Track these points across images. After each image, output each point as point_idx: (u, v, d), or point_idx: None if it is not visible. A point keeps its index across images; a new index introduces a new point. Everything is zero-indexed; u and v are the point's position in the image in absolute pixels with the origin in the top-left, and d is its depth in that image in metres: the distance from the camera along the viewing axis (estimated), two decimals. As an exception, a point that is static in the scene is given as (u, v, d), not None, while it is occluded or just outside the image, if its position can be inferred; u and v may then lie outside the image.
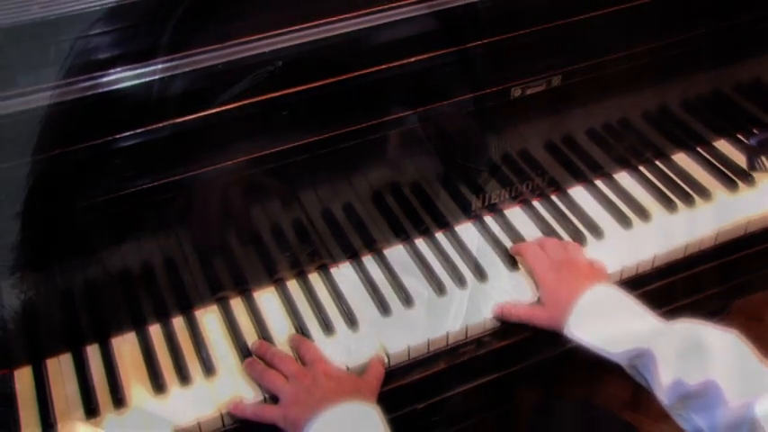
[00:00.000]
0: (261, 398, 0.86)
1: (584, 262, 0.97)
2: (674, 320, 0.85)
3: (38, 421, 0.83)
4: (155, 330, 0.94)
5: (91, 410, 0.84)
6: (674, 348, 0.81)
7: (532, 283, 0.97)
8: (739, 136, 1.18)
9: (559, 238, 1.04)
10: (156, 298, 0.93)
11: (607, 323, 0.87)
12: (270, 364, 0.88)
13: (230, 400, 0.85)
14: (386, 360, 0.90)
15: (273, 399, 0.86)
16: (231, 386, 0.87)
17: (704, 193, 1.10)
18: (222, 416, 0.85)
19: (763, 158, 0.43)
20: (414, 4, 0.86)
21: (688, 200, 1.09)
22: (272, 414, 0.83)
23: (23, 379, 0.87)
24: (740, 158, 1.15)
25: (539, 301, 0.94)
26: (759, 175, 1.06)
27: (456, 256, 1.02)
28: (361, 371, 0.89)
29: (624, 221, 1.06)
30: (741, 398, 0.74)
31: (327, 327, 0.93)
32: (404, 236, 1.04)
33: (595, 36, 0.97)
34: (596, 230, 1.05)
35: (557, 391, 1.02)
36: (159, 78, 0.78)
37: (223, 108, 0.81)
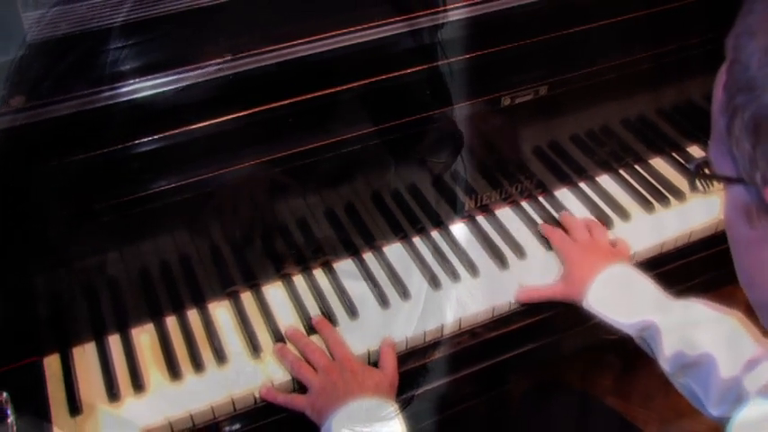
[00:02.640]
0: (270, 384, 0.89)
1: (606, 243, 1.04)
2: (682, 298, 0.90)
3: (65, 403, 0.87)
4: (171, 322, 0.97)
5: (113, 395, 0.88)
6: (678, 323, 0.87)
7: (524, 280, 1.02)
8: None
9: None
10: (172, 292, 0.97)
11: (621, 298, 0.93)
12: (301, 353, 0.92)
13: (262, 385, 0.89)
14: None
15: (301, 387, 0.90)
16: (242, 374, 0.91)
17: (679, 194, 1.15)
18: (233, 401, 0.88)
19: (702, 180, 0.49)
20: (411, 20, 0.91)
21: (664, 201, 1.14)
22: (300, 403, 0.88)
23: (52, 365, 0.91)
24: (712, 163, 1.21)
25: (561, 278, 1.01)
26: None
27: (450, 252, 1.07)
28: (363, 360, 0.93)
29: (605, 221, 1.11)
30: (732, 370, 0.80)
31: (330, 318, 0.97)
32: (402, 234, 1.08)
33: (580, 49, 1.02)
34: None
35: (545, 378, 1.07)
36: (174, 88, 0.83)
37: (233, 115, 0.86)
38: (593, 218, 1.11)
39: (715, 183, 0.51)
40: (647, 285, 0.94)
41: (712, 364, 0.81)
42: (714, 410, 0.81)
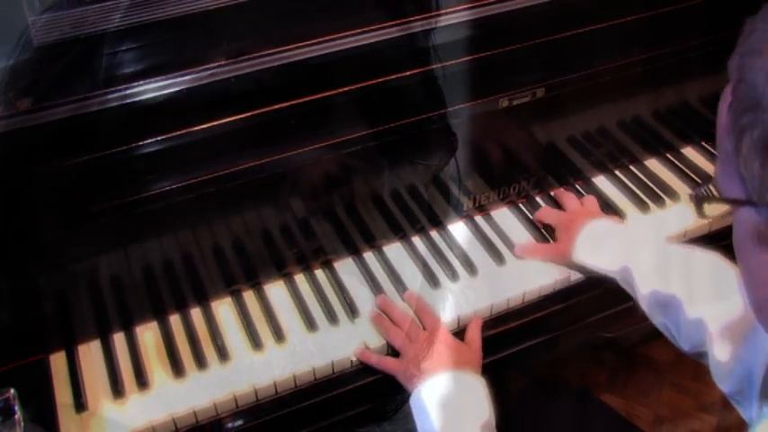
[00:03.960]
0: (272, 383, 0.90)
1: (597, 208, 1.11)
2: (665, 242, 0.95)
3: (71, 400, 0.89)
4: (175, 320, 0.98)
5: (118, 392, 0.89)
6: (652, 262, 0.91)
7: (522, 279, 1.03)
8: (704, 144, 1.25)
9: (543, 235, 1.10)
10: (175, 291, 0.98)
11: (603, 247, 0.99)
12: (393, 321, 0.96)
13: (358, 348, 0.93)
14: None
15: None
16: (244, 371, 0.92)
17: (674, 195, 1.17)
18: (236, 398, 0.89)
19: (709, 205, 0.48)
20: (411, 23, 0.93)
21: (659, 201, 1.16)
22: (393, 366, 0.92)
23: (58, 363, 0.92)
24: (705, 164, 1.22)
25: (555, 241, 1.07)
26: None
27: (449, 252, 1.08)
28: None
29: (602, 221, 1.12)
30: (697, 306, 0.83)
31: (331, 317, 0.98)
32: (401, 234, 1.09)
33: (576, 52, 1.04)
34: None
35: (543, 375, 1.08)
36: (178, 90, 0.84)
37: (235, 117, 0.87)
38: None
39: (721, 205, 0.50)
40: (625, 232, 1.01)
41: (682, 300, 0.84)
42: (684, 345, 0.85)
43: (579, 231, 1.02)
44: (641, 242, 0.97)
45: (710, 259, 0.88)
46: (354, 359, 0.94)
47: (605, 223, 1.03)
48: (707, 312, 0.81)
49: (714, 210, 0.54)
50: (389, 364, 0.93)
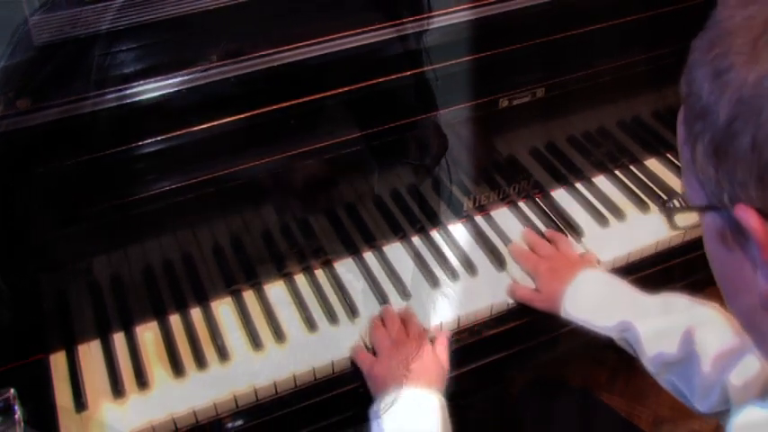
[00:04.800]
0: (272, 383, 0.90)
1: (572, 252, 1.05)
2: (657, 294, 0.91)
3: (71, 400, 0.89)
4: (174, 320, 0.99)
5: (118, 391, 0.90)
6: (656, 321, 0.87)
7: (521, 280, 1.03)
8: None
9: (543, 236, 1.10)
10: (175, 290, 0.98)
11: (596, 301, 0.94)
12: (382, 318, 0.96)
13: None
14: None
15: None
16: (244, 370, 0.92)
17: (674, 195, 1.15)
18: (235, 398, 0.89)
19: (679, 215, 0.50)
20: (411, 23, 0.93)
21: (659, 201, 1.14)
22: (365, 359, 0.92)
23: (58, 363, 0.92)
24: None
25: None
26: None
27: (449, 252, 1.08)
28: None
29: (601, 220, 1.13)
30: (714, 366, 0.80)
31: (331, 317, 0.99)
32: (401, 234, 1.10)
33: (576, 52, 1.04)
34: (576, 229, 1.11)
35: (544, 375, 1.08)
36: (178, 90, 0.84)
37: (234, 117, 0.87)
38: (556, 230, 1.11)
39: (692, 216, 0.52)
40: (620, 286, 0.95)
41: (695, 360, 0.82)
42: (700, 406, 0.82)
43: (564, 287, 0.96)
44: (639, 297, 0.92)
45: (712, 314, 0.85)
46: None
47: (594, 274, 0.98)
48: (728, 368, 0.78)
49: (685, 220, 0.56)
50: (361, 356, 0.92)
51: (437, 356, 0.92)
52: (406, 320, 0.97)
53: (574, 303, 0.95)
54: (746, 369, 0.77)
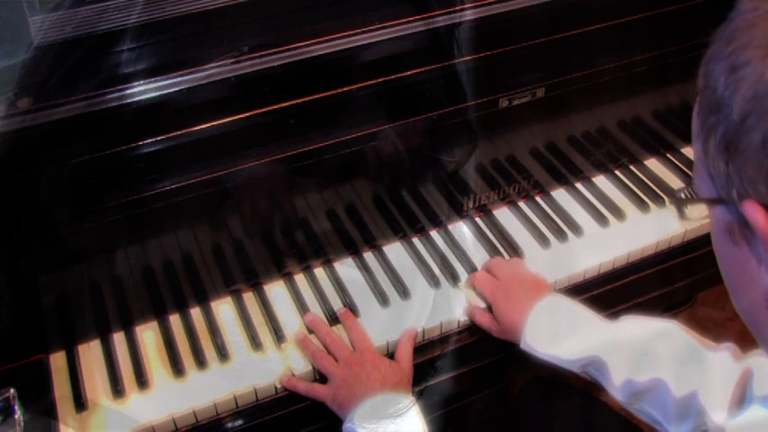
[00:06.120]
0: (272, 383, 0.90)
1: (529, 274, 1.00)
2: (618, 318, 0.88)
3: (71, 400, 0.89)
4: (174, 320, 0.98)
5: (118, 391, 0.89)
6: (621, 351, 0.84)
7: None
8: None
9: (544, 235, 1.10)
10: (175, 290, 0.98)
11: (557, 334, 0.89)
12: (323, 343, 0.93)
13: (283, 374, 0.90)
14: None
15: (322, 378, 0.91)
16: (244, 371, 0.92)
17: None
18: (236, 398, 0.89)
19: (689, 207, 0.51)
20: (411, 23, 0.93)
21: (659, 201, 1.15)
22: (321, 393, 0.89)
23: (58, 363, 0.92)
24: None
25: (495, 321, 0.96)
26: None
27: (449, 252, 1.08)
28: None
29: (602, 220, 1.13)
30: (686, 388, 0.78)
31: (331, 317, 0.98)
32: (402, 234, 1.10)
33: (576, 52, 1.04)
34: (576, 229, 1.11)
35: (545, 375, 1.07)
36: (179, 90, 0.84)
37: (237, 117, 0.87)
38: (556, 230, 1.10)
39: (702, 208, 0.52)
40: (580, 314, 0.91)
41: (664, 386, 0.80)
42: (676, 430, 0.80)
43: (522, 319, 0.91)
44: (599, 324, 0.89)
45: (671, 329, 0.83)
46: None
47: (550, 302, 0.92)
48: (699, 395, 0.77)
49: (694, 212, 0.56)
50: (318, 391, 0.89)
51: (395, 360, 0.91)
52: (347, 330, 0.95)
53: (533, 338, 0.90)
54: (715, 379, 0.76)
